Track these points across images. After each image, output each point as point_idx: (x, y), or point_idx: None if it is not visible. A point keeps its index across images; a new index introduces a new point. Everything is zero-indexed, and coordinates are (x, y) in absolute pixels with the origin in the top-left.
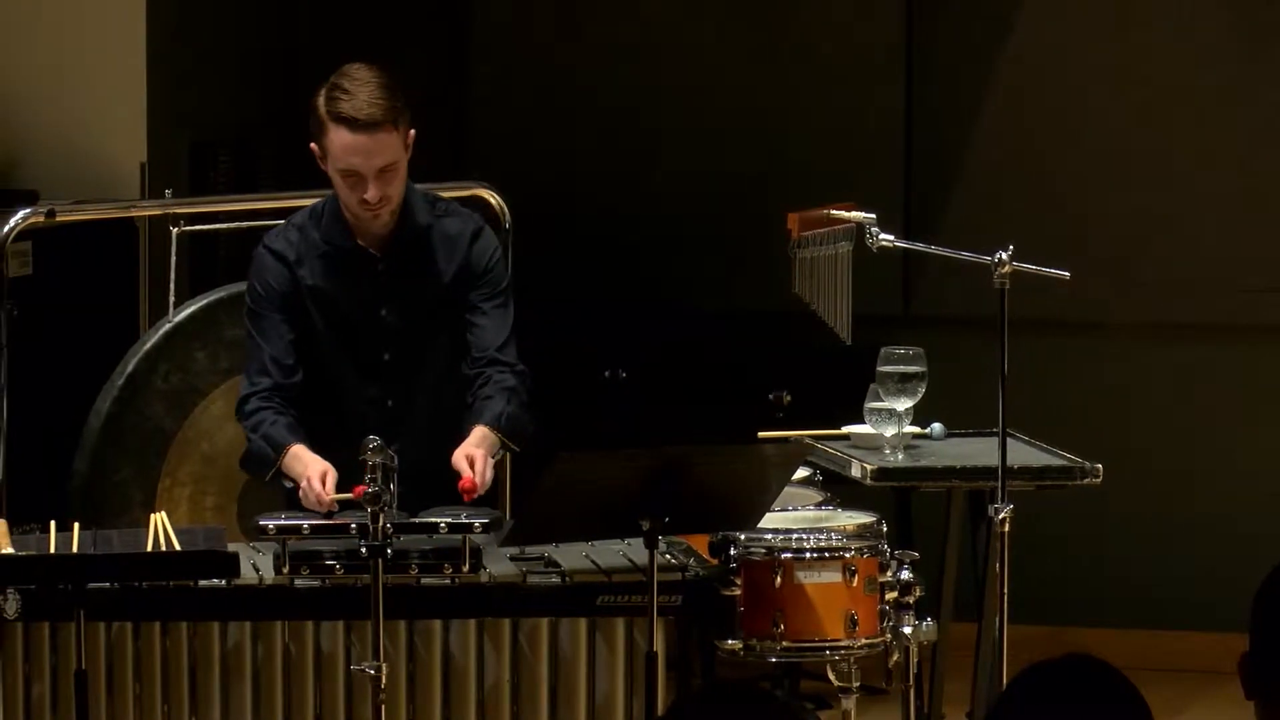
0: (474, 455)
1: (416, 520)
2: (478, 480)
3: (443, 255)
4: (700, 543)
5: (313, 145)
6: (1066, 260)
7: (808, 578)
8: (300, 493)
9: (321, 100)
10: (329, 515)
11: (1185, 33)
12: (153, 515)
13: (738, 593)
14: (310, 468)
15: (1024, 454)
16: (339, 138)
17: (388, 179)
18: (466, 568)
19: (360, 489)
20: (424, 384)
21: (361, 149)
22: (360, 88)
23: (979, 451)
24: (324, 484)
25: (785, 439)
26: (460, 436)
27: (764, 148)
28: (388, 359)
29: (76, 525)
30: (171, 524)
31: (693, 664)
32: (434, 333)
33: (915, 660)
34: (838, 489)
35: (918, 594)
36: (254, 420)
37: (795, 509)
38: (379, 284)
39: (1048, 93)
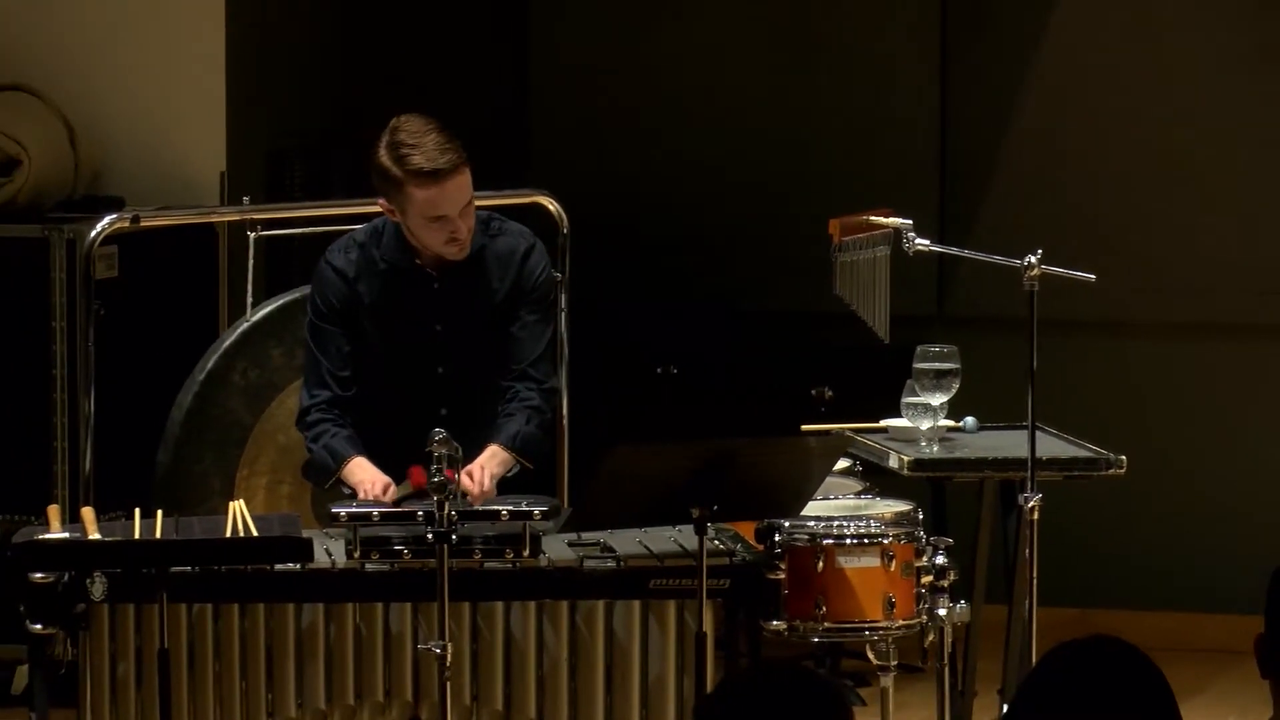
0: (471, 470)
1: (479, 508)
2: (476, 490)
3: (495, 274)
4: (747, 529)
5: (382, 202)
6: (1094, 263)
7: (848, 562)
8: (364, 494)
9: (388, 161)
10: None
11: (1211, 43)
12: (231, 503)
13: (782, 576)
14: (374, 476)
15: (1052, 446)
16: (422, 193)
17: (467, 212)
18: (527, 552)
19: (416, 469)
20: (477, 395)
21: (446, 197)
22: (422, 138)
23: (1010, 444)
24: (384, 495)
25: (827, 432)
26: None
27: (807, 156)
28: (442, 372)
29: (160, 513)
30: (249, 511)
31: (740, 644)
32: (486, 348)
33: (949, 640)
34: (876, 479)
35: (952, 578)
36: (315, 431)
37: (836, 498)
38: (434, 302)
39: (1076, 103)
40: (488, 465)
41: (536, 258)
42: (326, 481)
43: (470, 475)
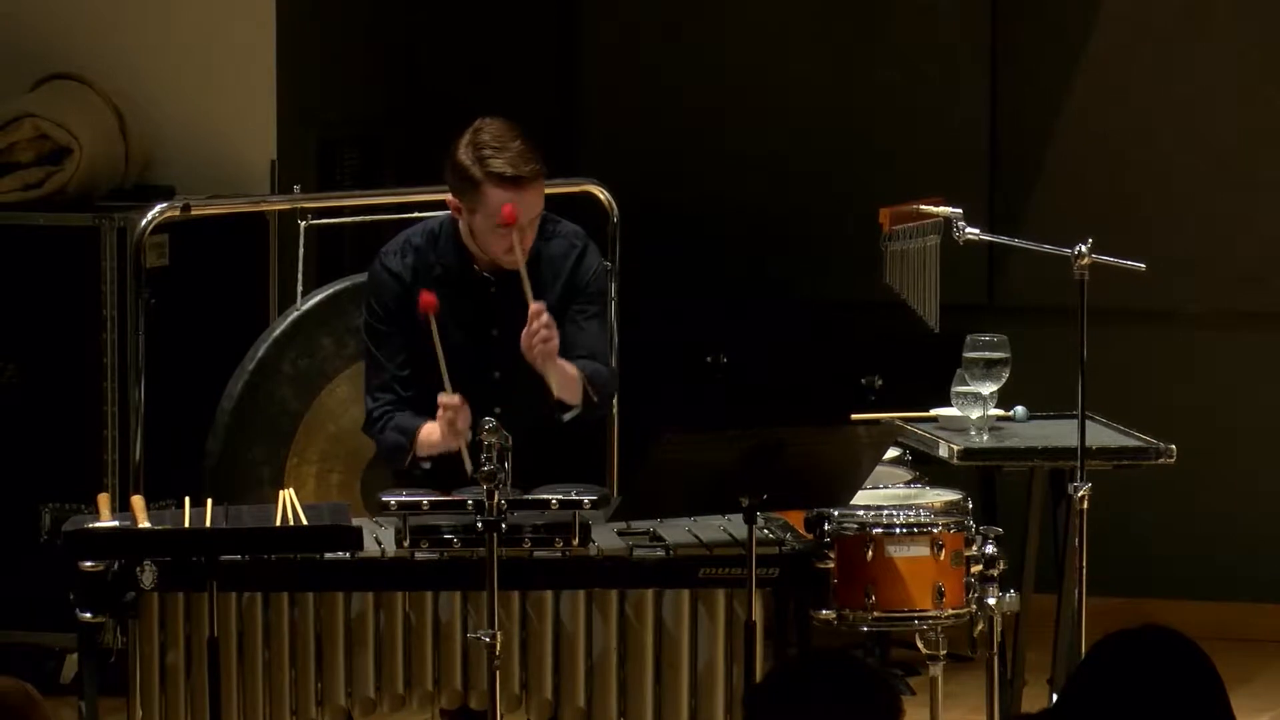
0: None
1: (529, 497)
2: (541, 319)
3: (549, 277)
4: (796, 519)
5: (450, 198)
6: (1144, 252)
7: (897, 552)
8: (442, 426)
9: (469, 160)
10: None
11: (1260, 31)
12: (281, 492)
13: (832, 566)
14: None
15: (1102, 435)
16: (498, 196)
17: (534, 224)
18: (576, 541)
19: (427, 295)
20: (532, 400)
21: (521, 204)
22: (507, 144)
23: (1059, 433)
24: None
25: (876, 421)
26: (562, 440)
27: (856, 146)
28: (498, 377)
29: (209, 501)
30: (299, 500)
31: (789, 633)
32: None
33: (999, 630)
34: (926, 468)
35: (1001, 567)
36: (381, 424)
37: (886, 487)
38: (490, 307)
39: (1126, 92)
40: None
41: (590, 259)
42: (405, 458)
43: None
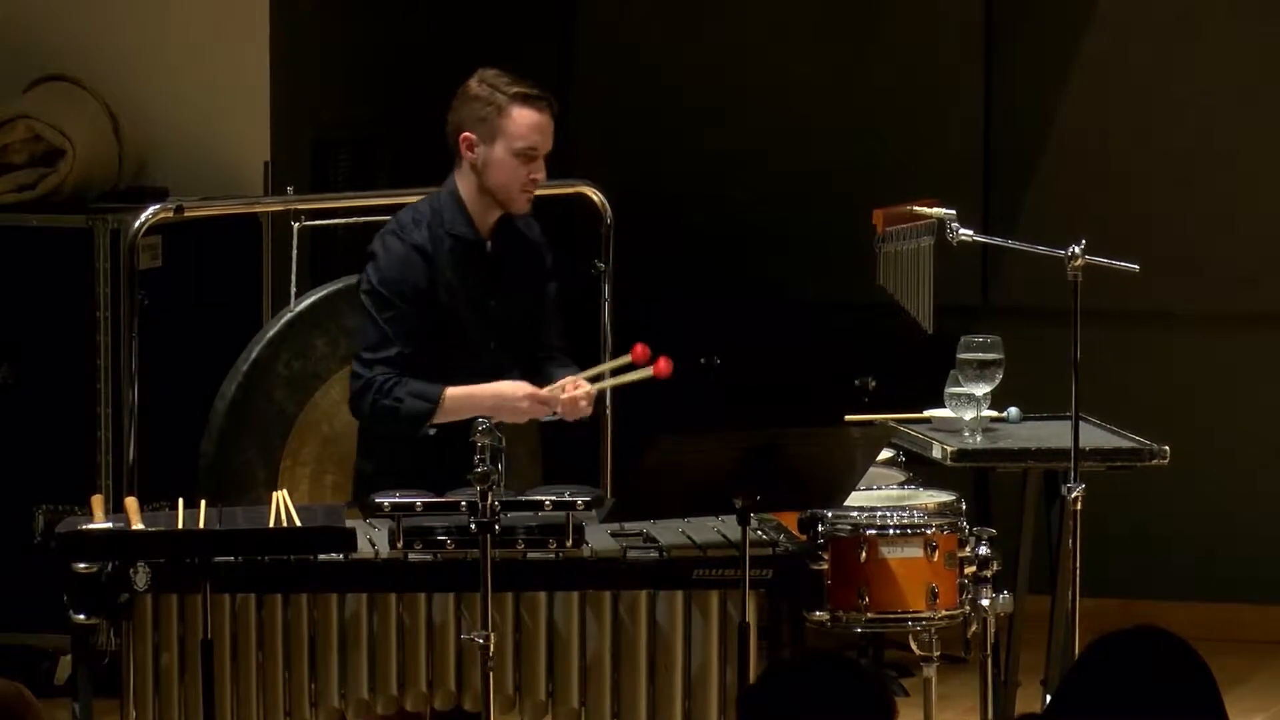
0: (563, 384)
1: (523, 498)
2: (581, 395)
3: (543, 252)
4: (790, 520)
5: (468, 134)
6: (1138, 253)
7: (891, 553)
8: (533, 403)
9: (487, 90)
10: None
11: (1254, 32)
12: (275, 494)
13: (825, 567)
14: (514, 389)
15: (1095, 437)
16: (525, 116)
17: (543, 164)
18: (570, 543)
19: (641, 348)
20: (519, 370)
21: (545, 127)
22: (520, 78)
23: (1053, 434)
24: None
25: (870, 422)
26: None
27: (850, 147)
28: (493, 347)
29: (203, 503)
30: (292, 502)
31: (783, 634)
32: (534, 325)
33: (992, 631)
34: (919, 469)
35: (995, 568)
36: (390, 389)
37: (879, 488)
38: (489, 276)
39: (1120, 93)
40: (575, 379)
41: (547, 242)
42: (423, 424)
43: (565, 389)
